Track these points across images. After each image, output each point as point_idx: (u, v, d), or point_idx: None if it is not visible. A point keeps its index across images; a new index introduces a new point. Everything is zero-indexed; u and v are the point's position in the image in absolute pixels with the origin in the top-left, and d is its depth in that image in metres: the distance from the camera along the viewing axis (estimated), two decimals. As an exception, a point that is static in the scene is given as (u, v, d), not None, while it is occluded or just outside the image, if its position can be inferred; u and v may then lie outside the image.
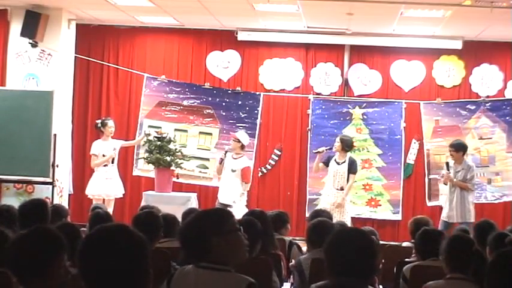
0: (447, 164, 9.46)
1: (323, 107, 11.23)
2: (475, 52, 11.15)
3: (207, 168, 11.05)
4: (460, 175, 9.32)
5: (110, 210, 9.85)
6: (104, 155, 9.87)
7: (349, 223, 8.51)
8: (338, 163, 9.47)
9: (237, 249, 3.02)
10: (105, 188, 9.87)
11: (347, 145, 9.53)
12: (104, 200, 9.82)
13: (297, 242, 6.17)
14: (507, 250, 3.36)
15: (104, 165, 9.91)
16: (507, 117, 10.85)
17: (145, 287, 2.20)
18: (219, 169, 9.77)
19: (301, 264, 4.96)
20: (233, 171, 9.61)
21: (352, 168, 9.43)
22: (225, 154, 9.76)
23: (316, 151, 9.86)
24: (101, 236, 2.22)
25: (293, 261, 5.32)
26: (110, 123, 10.05)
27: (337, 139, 9.61)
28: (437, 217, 10.38)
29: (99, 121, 10.16)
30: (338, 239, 3.08)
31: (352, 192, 11.04)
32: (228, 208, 9.33)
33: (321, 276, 3.36)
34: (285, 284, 5.28)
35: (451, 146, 9.56)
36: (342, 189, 9.40)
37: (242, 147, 9.77)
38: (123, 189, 10.22)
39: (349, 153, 9.58)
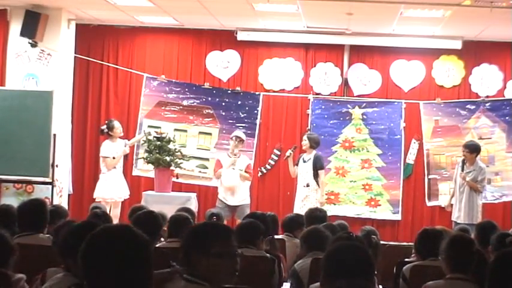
0: (463, 161, 9.47)
1: (323, 107, 11.22)
2: (474, 52, 11.15)
3: (207, 168, 11.04)
4: (471, 176, 9.35)
5: (118, 212, 9.86)
6: (114, 157, 9.88)
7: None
8: (305, 161, 9.75)
9: (219, 273, 2.86)
10: (114, 190, 9.88)
11: (314, 142, 9.86)
12: (111, 203, 9.84)
13: None
14: (508, 250, 3.36)
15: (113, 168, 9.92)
16: (507, 117, 10.85)
17: None
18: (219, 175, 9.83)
19: (296, 271, 4.96)
20: (240, 170, 9.74)
21: (317, 164, 9.70)
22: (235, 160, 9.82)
23: (285, 158, 10.09)
24: (104, 236, 2.22)
25: None
26: (117, 124, 10.06)
27: (304, 137, 9.90)
28: (437, 217, 10.40)
29: (104, 126, 10.11)
30: (336, 253, 3.08)
31: (352, 192, 11.09)
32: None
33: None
34: (284, 284, 5.28)
35: (465, 146, 9.58)
36: (307, 185, 9.69)
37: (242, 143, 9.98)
38: (128, 190, 10.23)
39: (314, 151, 9.80)
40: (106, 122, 10.31)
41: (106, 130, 10.02)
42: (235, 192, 9.72)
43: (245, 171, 9.80)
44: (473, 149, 9.45)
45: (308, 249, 5.17)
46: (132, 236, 2.22)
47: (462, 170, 9.42)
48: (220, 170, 9.79)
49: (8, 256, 3.80)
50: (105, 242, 2.20)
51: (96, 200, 9.75)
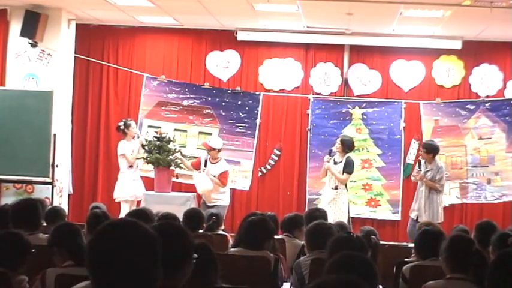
0: (419, 162, 9.49)
1: (323, 107, 11.22)
2: (474, 52, 11.14)
3: (207, 168, 11.03)
4: (429, 175, 9.29)
5: None
6: (131, 154, 9.88)
7: (346, 221, 8.51)
8: (336, 163, 9.42)
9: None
10: (134, 189, 9.85)
11: (347, 146, 9.44)
12: (132, 201, 9.82)
13: None
14: (508, 251, 3.36)
15: (130, 167, 9.88)
16: (507, 117, 10.85)
17: (154, 285, 2.16)
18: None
19: (300, 266, 4.96)
20: (214, 176, 9.61)
21: (346, 167, 9.30)
22: (205, 165, 9.70)
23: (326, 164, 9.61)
24: (111, 231, 2.17)
25: None
26: (133, 124, 10.05)
27: (338, 140, 9.54)
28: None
29: (121, 123, 10.02)
30: (338, 266, 3.04)
31: (352, 192, 11.10)
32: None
33: (319, 276, 3.36)
34: (284, 284, 5.28)
35: (422, 146, 9.65)
36: (336, 188, 9.32)
37: (219, 151, 9.75)
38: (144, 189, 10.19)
39: (348, 154, 9.45)
40: (123, 120, 10.22)
41: (122, 127, 9.99)
42: (206, 195, 9.67)
43: (218, 178, 9.60)
44: (429, 149, 9.40)
45: (311, 248, 5.13)
46: (140, 231, 2.17)
47: (419, 169, 9.36)
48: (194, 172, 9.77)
49: (18, 259, 3.84)
50: (113, 236, 2.15)
51: (116, 200, 9.75)
